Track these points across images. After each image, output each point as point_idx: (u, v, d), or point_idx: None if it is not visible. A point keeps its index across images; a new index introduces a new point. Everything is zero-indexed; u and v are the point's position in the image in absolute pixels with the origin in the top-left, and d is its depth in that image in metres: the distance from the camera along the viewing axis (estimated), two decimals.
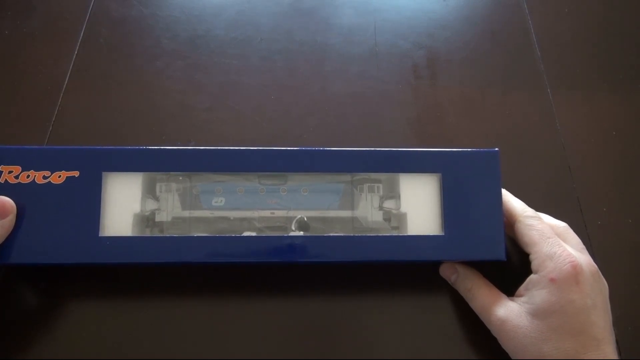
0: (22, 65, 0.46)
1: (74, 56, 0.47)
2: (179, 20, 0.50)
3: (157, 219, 0.36)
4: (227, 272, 0.38)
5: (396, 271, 0.39)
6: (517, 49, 0.50)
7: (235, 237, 0.35)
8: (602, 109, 0.47)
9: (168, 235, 0.35)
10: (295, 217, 0.36)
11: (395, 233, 0.36)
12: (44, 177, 0.34)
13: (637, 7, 0.54)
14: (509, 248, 0.38)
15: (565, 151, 0.45)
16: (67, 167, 0.34)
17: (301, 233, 0.36)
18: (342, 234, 0.36)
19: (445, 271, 0.38)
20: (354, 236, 0.36)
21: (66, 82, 0.45)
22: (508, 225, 0.36)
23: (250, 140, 0.44)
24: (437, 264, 0.38)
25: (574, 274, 0.32)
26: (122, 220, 0.35)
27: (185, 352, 0.35)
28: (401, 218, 0.37)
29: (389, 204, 0.37)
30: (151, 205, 0.36)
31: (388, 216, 0.37)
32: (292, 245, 0.34)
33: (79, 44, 0.47)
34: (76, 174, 0.34)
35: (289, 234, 0.36)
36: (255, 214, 0.36)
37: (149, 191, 0.36)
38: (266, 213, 0.36)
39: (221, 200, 0.37)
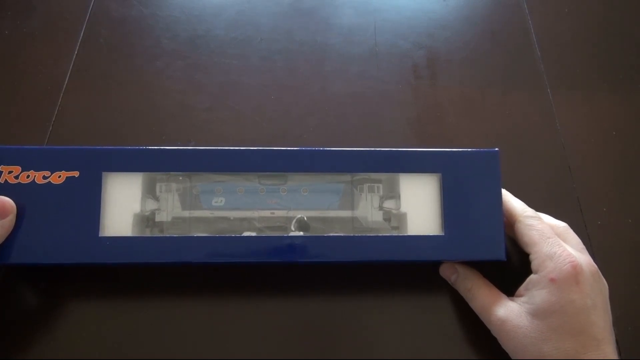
0: (22, 65, 0.46)
1: (74, 56, 0.47)
2: (179, 20, 0.50)
3: (157, 219, 0.36)
4: (227, 272, 0.38)
5: (396, 271, 0.39)
6: (517, 49, 0.50)
7: (235, 237, 0.35)
8: (602, 109, 0.47)
9: (168, 235, 0.35)
10: (295, 217, 0.36)
11: (395, 233, 0.36)
12: (44, 177, 0.34)
13: (637, 7, 0.54)
14: (509, 248, 0.38)
15: (565, 151, 0.45)
16: (67, 167, 0.34)
17: (301, 233, 0.36)
18: (342, 234, 0.36)
19: (445, 271, 0.38)
20: (354, 236, 0.36)
21: (66, 82, 0.45)
22: (508, 225, 0.36)
23: (250, 140, 0.44)
24: (437, 264, 0.38)
25: (574, 274, 0.32)
26: (122, 220, 0.35)
27: (185, 352, 0.35)
28: (401, 218, 0.37)
29: (389, 204, 0.37)
30: (151, 205, 0.36)
31: (388, 216, 0.37)
32: (292, 245, 0.34)
33: (79, 44, 0.47)
34: (76, 174, 0.34)
35: (289, 234, 0.36)
36: (255, 214, 0.36)
37: (149, 191, 0.36)
38: (266, 213, 0.36)
39: (221, 200, 0.37)
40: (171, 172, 0.36)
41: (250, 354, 0.36)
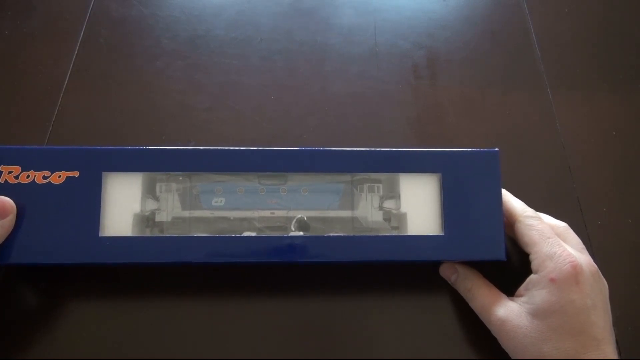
0: (22, 65, 0.46)
1: (74, 56, 0.47)
2: (179, 20, 0.50)
3: (157, 219, 0.36)
4: (227, 272, 0.38)
5: (396, 271, 0.39)
6: (517, 49, 0.50)
7: (235, 237, 0.35)
8: (602, 109, 0.47)
9: (168, 235, 0.35)
10: (295, 217, 0.36)
11: (395, 233, 0.36)
12: (44, 177, 0.34)
13: (637, 7, 0.54)
14: (509, 248, 0.38)
15: (565, 151, 0.45)
16: (67, 167, 0.34)
17: (301, 233, 0.36)
18: (342, 234, 0.36)
19: (445, 271, 0.38)
20: (354, 236, 0.36)
21: (66, 82, 0.45)
22: (508, 225, 0.36)
23: (250, 140, 0.44)
24: (437, 264, 0.38)
25: (574, 274, 0.32)
26: (122, 220, 0.35)
27: (185, 352, 0.35)
28: (401, 218, 0.37)
29: (389, 204, 0.37)
30: (151, 205, 0.36)
31: (388, 216, 0.37)
32: (292, 245, 0.34)
33: (79, 44, 0.47)
34: (76, 174, 0.34)
35: (289, 234, 0.36)
36: (255, 214, 0.36)
37: (149, 191, 0.36)
38: (266, 213, 0.36)
39: (221, 200, 0.37)
40: (171, 172, 0.36)
41: (250, 354, 0.36)
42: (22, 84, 0.45)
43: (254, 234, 0.36)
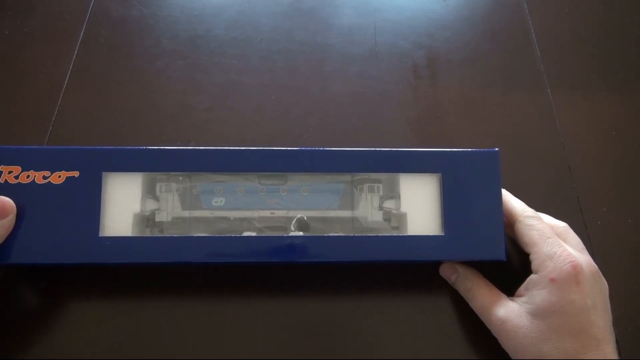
0: (22, 65, 0.46)
1: (74, 56, 0.47)
2: (179, 20, 0.50)
3: (157, 219, 0.36)
4: (227, 272, 0.38)
5: (396, 271, 0.39)
6: (517, 49, 0.50)
7: (235, 237, 0.35)
8: (602, 109, 0.47)
9: (168, 235, 0.35)
10: (295, 217, 0.36)
11: (395, 233, 0.36)
12: (44, 177, 0.34)
13: (637, 7, 0.54)
14: (509, 248, 0.38)
15: (565, 151, 0.45)
16: (67, 167, 0.34)
17: (301, 233, 0.36)
18: (342, 234, 0.36)
19: (445, 271, 0.38)
20: (354, 236, 0.36)
21: (66, 82, 0.45)
22: (508, 225, 0.36)
23: (250, 140, 0.44)
24: (437, 264, 0.38)
25: (574, 274, 0.32)
26: (122, 220, 0.35)
27: (185, 352, 0.35)
28: (401, 218, 0.37)
29: (389, 204, 0.37)
30: (151, 205, 0.36)
31: (388, 216, 0.37)
32: (292, 245, 0.34)
33: (79, 44, 0.47)
34: (76, 174, 0.34)
35: (289, 234, 0.36)
36: (255, 214, 0.36)
37: (149, 191, 0.36)
38: (266, 213, 0.36)
39: (221, 200, 0.37)
40: (171, 172, 0.36)
41: (250, 354, 0.36)
42: (22, 84, 0.45)
43: (254, 234, 0.36)
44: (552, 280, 0.32)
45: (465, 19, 0.52)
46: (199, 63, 0.47)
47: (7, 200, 0.33)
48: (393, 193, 0.37)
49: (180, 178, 0.36)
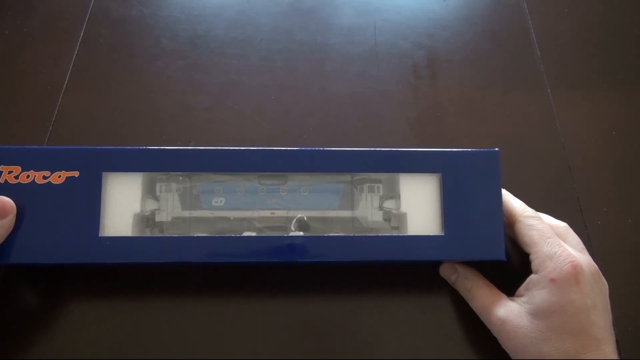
0: (22, 65, 0.46)
1: (74, 56, 0.47)
2: (179, 20, 0.50)
3: (157, 219, 0.36)
4: (227, 272, 0.38)
5: (396, 271, 0.39)
6: (517, 49, 0.50)
7: (235, 237, 0.35)
8: (602, 109, 0.47)
9: (168, 235, 0.35)
10: (295, 217, 0.36)
11: (395, 233, 0.36)
12: (44, 177, 0.34)
13: (637, 7, 0.54)
14: (509, 248, 0.38)
15: (565, 151, 0.45)
16: (67, 167, 0.34)
17: (301, 233, 0.36)
18: (342, 234, 0.36)
19: (445, 271, 0.38)
20: (354, 236, 0.36)
21: (66, 82, 0.45)
22: (508, 225, 0.36)
23: (250, 140, 0.44)
24: (437, 264, 0.38)
25: (574, 274, 0.32)
26: (122, 220, 0.35)
27: (185, 352, 0.35)
28: (401, 218, 0.37)
29: (389, 204, 0.37)
30: (151, 205, 0.36)
31: (388, 216, 0.37)
32: (292, 245, 0.34)
33: (79, 44, 0.47)
34: (76, 174, 0.34)
35: (289, 234, 0.36)
36: (255, 214, 0.36)
37: (149, 191, 0.36)
38: (266, 213, 0.36)
39: (221, 200, 0.37)
40: (171, 172, 0.36)
41: (250, 354, 0.36)
42: (22, 84, 0.45)
43: (254, 234, 0.36)
44: (552, 280, 0.32)
45: (465, 19, 0.52)
46: (199, 63, 0.47)
47: (7, 200, 0.33)
48: (393, 193, 0.37)
49: (180, 178, 0.36)
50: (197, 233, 0.36)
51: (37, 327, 0.36)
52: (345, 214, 0.37)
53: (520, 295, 0.34)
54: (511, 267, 0.38)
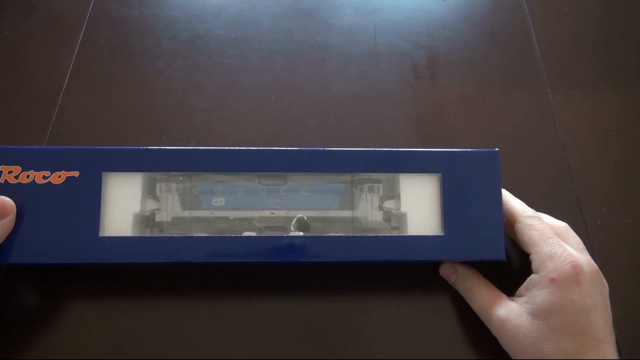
0: (22, 65, 0.46)
1: (74, 56, 0.47)
2: (179, 20, 0.50)
3: (157, 219, 0.36)
4: (227, 272, 0.38)
5: (396, 271, 0.39)
6: (517, 49, 0.50)
7: (235, 237, 0.35)
8: (602, 109, 0.47)
9: (168, 235, 0.35)
10: (295, 217, 0.36)
11: (395, 233, 0.36)
12: (44, 177, 0.34)
13: (637, 7, 0.54)
14: (509, 248, 0.38)
15: (565, 151, 0.45)
16: (67, 167, 0.34)
17: (301, 233, 0.36)
18: (342, 234, 0.36)
19: (445, 271, 0.38)
20: (354, 236, 0.36)
21: (66, 82, 0.45)
22: (508, 225, 0.36)
23: (250, 140, 0.44)
24: (437, 264, 0.38)
25: (575, 274, 0.32)
26: (122, 220, 0.35)
27: (185, 352, 0.35)
28: (401, 218, 0.37)
29: (389, 204, 0.37)
30: (151, 205, 0.36)
31: (388, 216, 0.37)
32: (292, 245, 0.34)
33: (79, 44, 0.47)
34: (76, 174, 0.34)
35: (289, 234, 0.36)
36: (255, 214, 0.36)
37: (149, 191, 0.36)
38: (266, 213, 0.36)
39: (221, 200, 0.37)
40: (171, 172, 0.36)
41: (250, 354, 0.36)
42: (22, 84, 0.45)
43: (254, 234, 0.36)
44: (553, 280, 0.32)
45: (465, 19, 0.52)
46: (199, 63, 0.47)
47: (7, 200, 0.33)
48: (393, 193, 0.37)
49: (180, 178, 0.36)
50: (197, 233, 0.36)
51: (37, 327, 0.36)
52: (345, 214, 0.37)
53: (521, 295, 0.34)
54: (511, 267, 0.38)
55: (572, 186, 0.43)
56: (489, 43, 0.50)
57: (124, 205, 0.35)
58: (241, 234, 0.36)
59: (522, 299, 0.33)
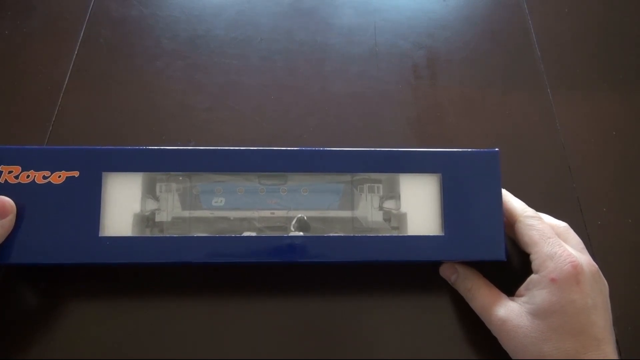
0: (22, 65, 0.46)
1: (74, 56, 0.47)
2: (179, 20, 0.50)
3: (157, 219, 0.36)
4: (227, 272, 0.38)
5: (396, 271, 0.39)
6: (517, 49, 0.50)
7: (235, 237, 0.35)
8: (602, 109, 0.47)
9: (168, 235, 0.35)
10: (295, 217, 0.36)
11: (395, 233, 0.36)
12: (44, 177, 0.34)
13: (637, 7, 0.54)
14: (509, 248, 0.38)
15: (565, 151, 0.45)
16: (67, 167, 0.34)
17: (301, 233, 0.36)
18: (342, 234, 0.36)
19: (445, 271, 0.38)
20: (354, 236, 0.36)
21: (66, 82, 0.45)
22: (508, 225, 0.36)
23: (250, 140, 0.44)
24: (437, 264, 0.38)
25: (575, 274, 0.32)
26: (122, 220, 0.35)
27: (185, 352, 0.35)
28: (401, 218, 0.37)
29: (389, 204, 0.37)
30: (151, 205, 0.36)
31: (388, 216, 0.37)
32: (292, 245, 0.34)
33: (79, 44, 0.47)
34: (76, 174, 0.34)
35: (289, 234, 0.36)
36: (255, 214, 0.36)
37: (149, 191, 0.36)
38: (266, 213, 0.36)
39: (221, 200, 0.37)
40: (171, 172, 0.36)
41: (250, 354, 0.36)
42: (22, 84, 0.45)
43: (254, 234, 0.36)
44: (553, 280, 0.32)
45: (465, 19, 0.52)
46: (199, 63, 0.47)
47: (7, 200, 0.33)
48: (393, 193, 0.37)
49: (180, 178, 0.36)
50: (197, 233, 0.36)
51: (37, 327, 0.36)
52: (345, 214, 0.37)
53: (521, 295, 0.34)
54: (511, 267, 0.38)
55: (572, 186, 0.43)
56: (489, 43, 0.50)
57: (124, 205, 0.35)
58: (241, 234, 0.36)
59: (522, 299, 0.33)
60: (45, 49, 0.47)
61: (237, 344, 0.36)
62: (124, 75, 0.46)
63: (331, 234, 0.36)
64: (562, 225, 0.36)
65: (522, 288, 0.34)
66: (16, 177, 0.34)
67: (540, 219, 0.35)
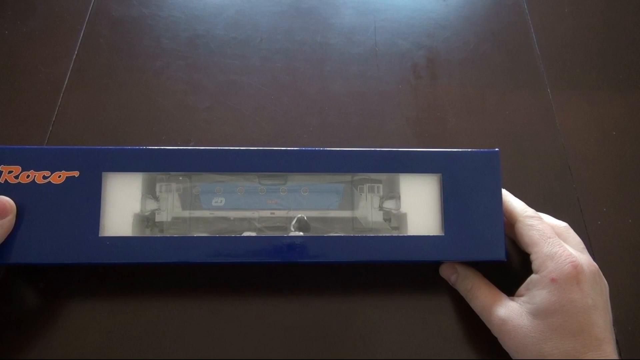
0: (22, 65, 0.46)
1: (74, 56, 0.47)
2: (179, 20, 0.50)
3: (157, 219, 0.36)
4: (227, 272, 0.38)
5: (396, 271, 0.39)
6: (517, 49, 0.50)
7: (235, 237, 0.35)
8: (602, 109, 0.47)
9: (168, 235, 0.35)
10: (295, 217, 0.36)
11: (395, 233, 0.36)
12: (44, 177, 0.34)
13: (637, 7, 0.54)
14: (509, 248, 0.38)
15: (565, 151, 0.45)
16: (67, 167, 0.34)
17: (301, 233, 0.36)
18: (342, 234, 0.36)
19: (445, 271, 0.38)
20: (354, 236, 0.36)
21: (66, 82, 0.45)
22: (508, 225, 0.36)
23: (250, 140, 0.44)
24: (437, 264, 0.38)
25: (575, 274, 0.32)
26: (122, 220, 0.35)
27: (185, 352, 0.35)
28: (401, 218, 0.36)
29: (389, 204, 0.37)
30: (151, 205, 0.36)
31: (388, 216, 0.37)
32: (292, 245, 0.34)
33: (79, 44, 0.47)
34: (76, 174, 0.34)
35: (289, 234, 0.36)
36: (255, 214, 0.36)
37: (149, 191, 0.36)
38: (266, 213, 0.36)
39: (221, 200, 0.37)
40: (171, 172, 0.36)
41: (251, 354, 0.36)
42: (22, 84, 0.45)
43: (254, 234, 0.36)
44: (553, 280, 0.32)
45: (465, 19, 0.52)
46: (199, 63, 0.47)
47: (7, 200, 0.33)
48: (393, 193, 0.37)
49: (180, 178, 0.36)
50: (197, 233, 0.36)
51: (37, 327, 0.36)
52: (345, 214, 0.37)
53: (521, 295, 0.34)
54: (511, 267, 0.38)
55: (572, 186, 0.43)
56: (489, 43, 0.50)
57: (124, 205, 0.35)
58: (241, 234, 0.36)
59: (523, 298, 0.33)
60: (45, 49, 0.47)
61: (237, 344, 0.36)
62: (124, 75, 0.46)
63: (331, 234, 0.36)
64: (562, 225, 0.36)
65: (522, 288, 0.34)
66: (16, 177, 0.34)
67: (540, 219, 0.35)
